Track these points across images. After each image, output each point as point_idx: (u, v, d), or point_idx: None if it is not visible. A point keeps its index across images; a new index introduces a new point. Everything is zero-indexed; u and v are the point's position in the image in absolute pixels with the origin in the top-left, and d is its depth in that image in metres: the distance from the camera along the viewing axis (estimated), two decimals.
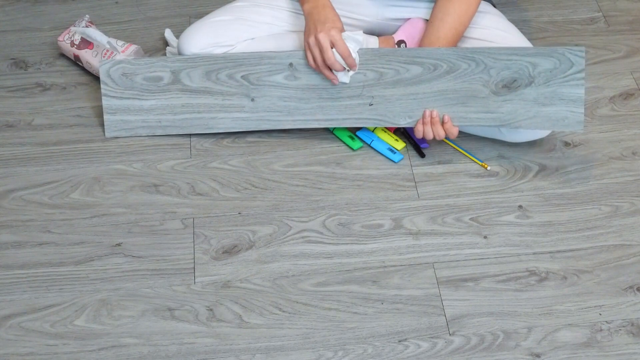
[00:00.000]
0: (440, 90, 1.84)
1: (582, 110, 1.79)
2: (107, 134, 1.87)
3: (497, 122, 1.80)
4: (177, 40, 2.18)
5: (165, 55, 2.18)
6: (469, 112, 1.81)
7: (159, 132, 1.92)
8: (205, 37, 1.95)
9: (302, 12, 1.99)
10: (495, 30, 1.96)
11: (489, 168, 1.94)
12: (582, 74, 1.78)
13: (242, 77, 1.90)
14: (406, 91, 1.85)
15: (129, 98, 1.92)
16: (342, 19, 2.03)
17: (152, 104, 1.92)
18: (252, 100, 1.89)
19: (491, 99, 1.82)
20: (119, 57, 2.09)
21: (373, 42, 2.01)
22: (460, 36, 1.89)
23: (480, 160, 1.94)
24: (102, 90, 1.92)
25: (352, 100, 1.87)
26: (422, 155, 1.95)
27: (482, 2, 2.01)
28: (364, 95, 1.87)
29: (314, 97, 1.88)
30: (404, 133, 2.00)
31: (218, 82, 1.91)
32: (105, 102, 1.92)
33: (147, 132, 1.91)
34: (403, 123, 1.85)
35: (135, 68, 1.94)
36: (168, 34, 2.21)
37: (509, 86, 1.81)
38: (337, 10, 2.00)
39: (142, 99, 1.92)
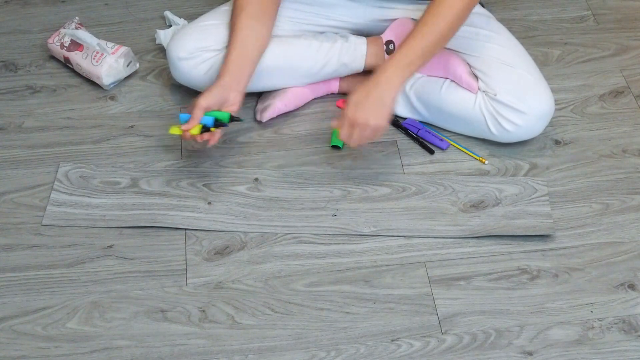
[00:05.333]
0: (408, 207, 1.85)
1: (551, 220, 1.81)
2: (44, 222, 1.83)
3: (467, 233, 1.80)
4: (178, 20, 2.21)
5: (162, 45, 2.19)
6: (437, 225, 1.81)
7: (100, 224, 1.82)
8: (193, 41, 1.94)
9: (290, 17, 1.99)
10: (483, 31, 1.97)
11: (487, 162, 1.94)
12: (547, 197, 1.85)
13: (203, 185, 1.88)
14: (373, 206, 1.85)
15: (79, 195, 1.87)
16: (329, 23, 2.04)
17: (101, 202, 1.86)
18: (209, 203, 1.85)
19: (459, 215, 1.83)
20: (109, 58, 2.08)
21: (361, 43, 2.01)
22: (446, 42, 1.84)
23: (477, 155, 1.95)
24: (54, 186, 1.88)
25: (314, 212, 1.84)
26: (431, 152, 1.96)
27: None
28: (328, 208, 1.85)
29: (275, 207, 1.85)
30: (409, 133, 2.00)
31: (177, 188, 1.88)
32: (53, 195, 1.86)
33: (87, 224, 1.82)
34: (367, 232, 1.81)
35: (95, 173, 1.91)
36: (169, 14, 2.26)
37: (477, 206, 1.84)
38: (323, 15, 2.01)
39: (92, 197, 1.86)
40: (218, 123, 1.79)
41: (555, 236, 1.80)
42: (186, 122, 1.77)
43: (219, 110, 1.80)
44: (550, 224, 1.81)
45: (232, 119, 1.81)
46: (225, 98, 1.81)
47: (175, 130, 1.78)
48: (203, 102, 1.77)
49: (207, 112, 1.78)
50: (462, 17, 1.81)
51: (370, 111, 1.76)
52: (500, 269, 1.75)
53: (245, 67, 1.85)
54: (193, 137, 1.78)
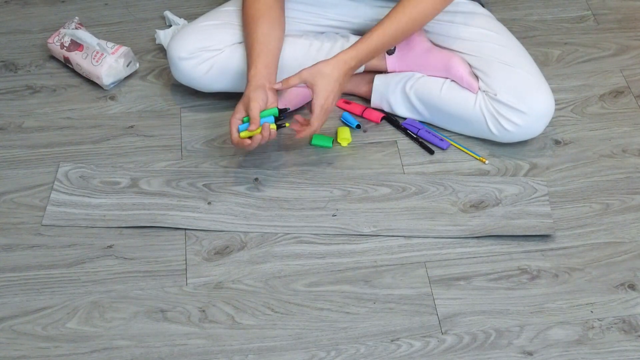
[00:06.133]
0: (408, 207, 1.85)
1: (551, 220, 1.81)
2: (44, 222, 1.83)
3: (467, 233, 1.80)
4: (178, 20, 2.21)
5: (162, 45, 2.19)
6: (437, 225, 1.81)
7: (100, 224, 1.82)
8: (194, 42, 1.95)
9: (290, 17, 1.99)
10: (484, 31, 1.97)
11: (487, 162, 1.94)
12: (547, 197, 1.85)
13: (203, 185, 1.88)
14: (373, 206, 1.85)
15: (79, 195, 1.87)
16: (330, 23, 2.04)
17: (101, 202, 1.86)
18: (209, 203, 1.85)
19: (459, 215, 1.83)
20: (109, 58, 2.08)
21: None
22: (415, 30, 1.89)
23: (478, 155, 1.95)
24: (54, 186, 1.88)
25: (314, 212, 1.84)
26: (430, 152, 1.96)
27: (472, 2, 2.02)
28: (328, 208, 1.85)
29: (275, 207, 1.85)
30: (409, 133, 2.00)
31: (177, 188, 1.88)
32: (53, 195, 1.86)
33: (87, 224, 1.82)
34: (367, 232, 1.80)
35: (95, 173, 1.91)
36: (169, 14, 2.26)
37: (477, 206, 1.84)
38: (324, 15, 2.02)
39: (92, 197, 1.87)
40: (277, 122, 1.83)
41: (555, 236, 1.80)
42: (248, 129, 1.79)
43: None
44: (550, 224, 1.81)
45: (281, 111, 1.83)
46: (267, 97, 1.83)
47: (248, 133, 1.79)
48: (256, 103, 1.79)
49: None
50: (428, 15, 1.87)
51: (335, 97, 1.85)
52: (500, 269, 1.75)
53: (272, 68, 1.87)
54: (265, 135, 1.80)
